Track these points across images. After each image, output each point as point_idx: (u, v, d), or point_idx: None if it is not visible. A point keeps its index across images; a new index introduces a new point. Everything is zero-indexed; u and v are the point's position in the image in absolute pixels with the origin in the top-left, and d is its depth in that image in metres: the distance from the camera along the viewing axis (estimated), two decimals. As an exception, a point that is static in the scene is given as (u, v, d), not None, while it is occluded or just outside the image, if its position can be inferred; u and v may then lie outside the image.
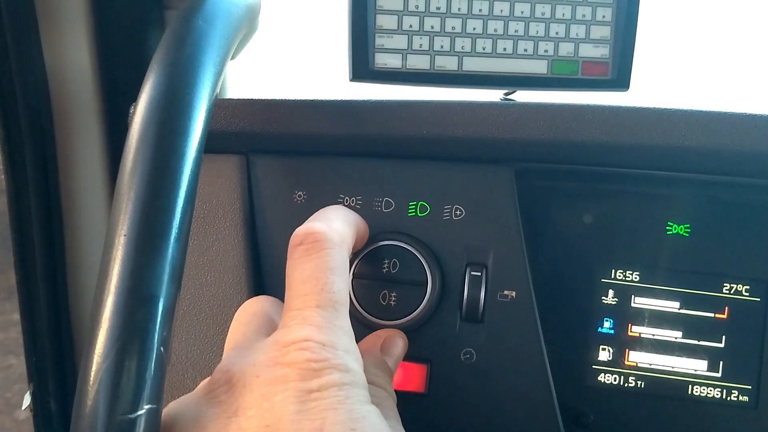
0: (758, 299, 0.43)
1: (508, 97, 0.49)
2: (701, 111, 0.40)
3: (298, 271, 0.31)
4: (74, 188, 0.54)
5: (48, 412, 0.56)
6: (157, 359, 0.26)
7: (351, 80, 0.45)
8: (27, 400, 0.56)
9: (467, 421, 0.40)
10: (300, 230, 0.32)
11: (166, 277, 0.27)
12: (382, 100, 0.42)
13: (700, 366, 0.43)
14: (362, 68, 0.45)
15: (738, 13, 0.65)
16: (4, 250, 0.58)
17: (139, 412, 0.25)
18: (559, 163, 0.42)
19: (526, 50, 0.46)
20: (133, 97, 0.31)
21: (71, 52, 0.51)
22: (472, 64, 0.46)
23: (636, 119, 0.40)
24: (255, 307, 0.34)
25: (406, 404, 0.37)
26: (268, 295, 0.43)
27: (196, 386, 0.42)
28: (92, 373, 0.25)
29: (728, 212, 0.43)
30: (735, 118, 0.39)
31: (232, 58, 0.37)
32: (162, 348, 0.26)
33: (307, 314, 0.29)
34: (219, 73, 0.33)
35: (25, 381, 0.56)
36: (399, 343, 0.38)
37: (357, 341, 0.32)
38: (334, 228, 0.33)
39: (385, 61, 0.45)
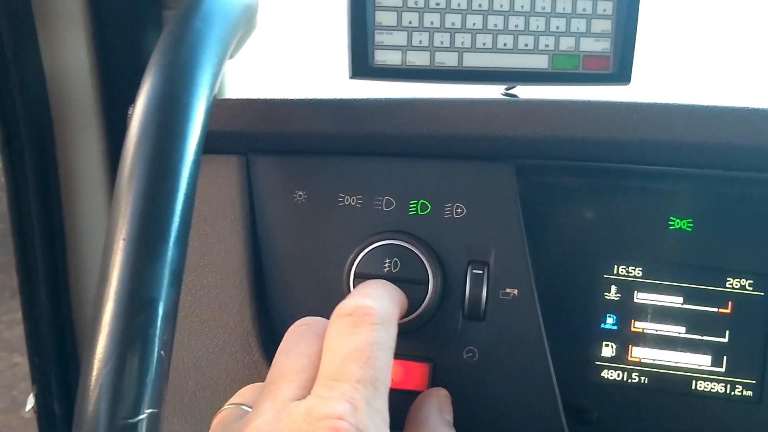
0: (762, 293, 0.43)
1: (509, 92, 0.49)
2: (703, 106, 0.39)
3: (342, 340, 0.29)
4: (74, 189, 0.54)
5: (52, 413, 0.56)
6: (158, 363, 0.26)
7: (351, 77, 0.45)
8: (31, 401, 0.56)
9: (470, 420, 0.40)
10: (350, 302, 0.31)
11: (165, 281, 0.27)
12: (382, 99, 0.42)
13: (703, 361, 0.43)
14: (362, 65, 0.45)
15: (740, 6, 0.64)
16: (8, 249, 0.58)
17: (141, 417, 0.25)
18: (561, 160, 0.42)
19: (526, 45, 0.46)
20: (132, 98, 0.31)
21: (69, 53, 0.51)
22: (472, 60, 0.45)
23: (637, 115, 0.40)
24: (315, 345, 0.31)
25: (408, 403, 0.37)
26: (269, 293, 0.43)
27: (198, 389, 0.42)
28: (93, 378, 0.25)
29: (731, 207, 0.43)
30: (737, 112, 0.39)
31: (230, 57, 0.37)
32: (163, 352, 0.26)
33: (346, 389, 0.27)
34: (217, 74, 0.33)
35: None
36: (449, 398, 0.38)
37: None
38: (384, 306, 0.32)
39: (384, 57, 0.45)
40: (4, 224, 0.55)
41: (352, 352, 0.29)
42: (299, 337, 0.31)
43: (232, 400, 0.34)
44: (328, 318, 0.41)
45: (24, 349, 0.58)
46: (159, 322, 0.26)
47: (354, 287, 0.41)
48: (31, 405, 0.56)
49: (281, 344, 0.32)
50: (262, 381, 0.41)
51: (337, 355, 0.29)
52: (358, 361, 0.28)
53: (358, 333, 0.30)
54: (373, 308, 0.31)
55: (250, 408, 0.31)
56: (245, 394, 0.34)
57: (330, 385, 0.28)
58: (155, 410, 0.26)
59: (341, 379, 0.28)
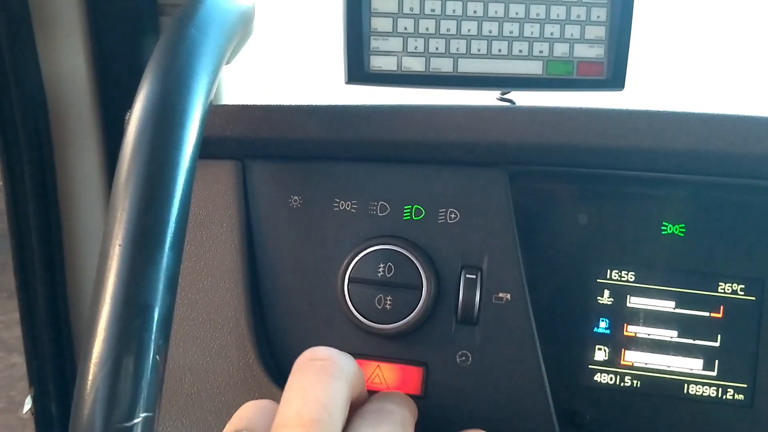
0: (753, 298, 0.43)
1: (504, 97, 0.49)
2: (695, 113, 0.40)
3: (368, 428, 0.32)
4: (71, 192, 0.54)
5: (49, 415, 0.56)
6: (153, 367, 0.26)
7: (346, 83, 0.46)
8: (28, 403, 0.56)
9: (463, 424, 0.41)
10: (374, 405, 0.34)
11: (161, 286, 0.27)
12: (377, 105, 0.42)
13: (695, 365, 0.43)
14: (358, 71, 0.45)
15: (734, 13, 0.65)
16: (6, 251, 0.59)
17: (135, 421, 0.25)
18: (553, 166, 0.42)
19: (521, 51, 0.46)
20: (129, 103, 0.31)
21: (67, 59, 0.51)
22: (467, 66, 0.46)
23: (628, 122, 0.40)
24: (331, 389, 0.31)
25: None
26: (264, 297, 0.43)
27: (193, 392, 0.42)
28: (89, 382, 0.25)
29: (723, 212, 0.44)
30: (729, 119, 0.40)
31: (227, 63, 0.38)
32: (158, 356, 0.27)
33: None
34: (212, 81, 0.33)
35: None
36: None
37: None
38: (404, 410, 0.34)
39: (380, 63, 0.45)
40: (2, 226, 0.55)
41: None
42: (314, 377, 0.31)
43: (235, 424, 0.32)
44: (329, 333, 0.41)
45: (22, 350, 0.58)
46: (154, 327, 0.27)
47: (349, 293, 0.41)
48: (29, 406, 0.56)
49: (292, 377, 0.31)
50: (257, 383, 0.41)
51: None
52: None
53: (385, 423, 0.32)
54: (396, 410, 0.33)
55: None
56: (249, 416, 0.32)
57: None
58: (150, 414, 0.26)
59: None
